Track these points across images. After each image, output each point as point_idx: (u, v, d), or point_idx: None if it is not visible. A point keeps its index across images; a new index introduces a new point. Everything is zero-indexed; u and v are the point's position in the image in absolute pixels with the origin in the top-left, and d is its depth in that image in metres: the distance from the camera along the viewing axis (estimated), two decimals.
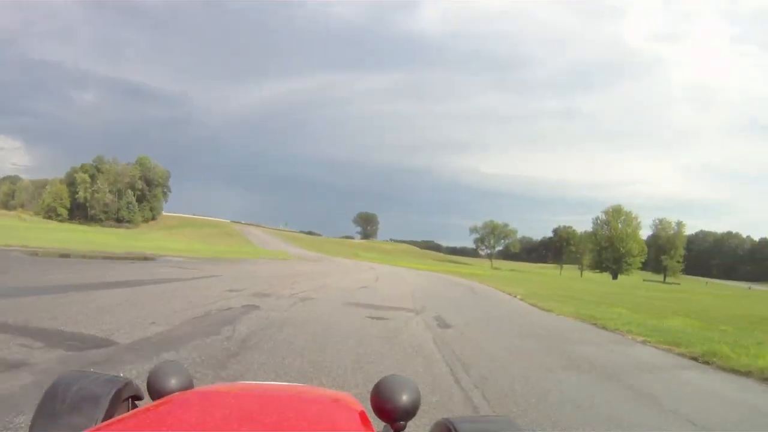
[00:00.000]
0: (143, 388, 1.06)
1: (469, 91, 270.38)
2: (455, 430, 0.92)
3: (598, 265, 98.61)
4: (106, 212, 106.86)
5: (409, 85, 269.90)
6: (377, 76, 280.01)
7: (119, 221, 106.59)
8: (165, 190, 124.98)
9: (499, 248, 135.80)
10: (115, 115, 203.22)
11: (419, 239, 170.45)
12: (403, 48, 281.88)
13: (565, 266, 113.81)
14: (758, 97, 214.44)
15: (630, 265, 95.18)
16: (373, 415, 0.99)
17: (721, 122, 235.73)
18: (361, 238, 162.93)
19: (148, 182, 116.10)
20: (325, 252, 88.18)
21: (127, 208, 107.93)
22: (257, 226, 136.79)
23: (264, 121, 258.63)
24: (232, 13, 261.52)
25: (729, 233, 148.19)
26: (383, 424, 0.99)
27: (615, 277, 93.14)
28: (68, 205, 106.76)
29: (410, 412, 0.96)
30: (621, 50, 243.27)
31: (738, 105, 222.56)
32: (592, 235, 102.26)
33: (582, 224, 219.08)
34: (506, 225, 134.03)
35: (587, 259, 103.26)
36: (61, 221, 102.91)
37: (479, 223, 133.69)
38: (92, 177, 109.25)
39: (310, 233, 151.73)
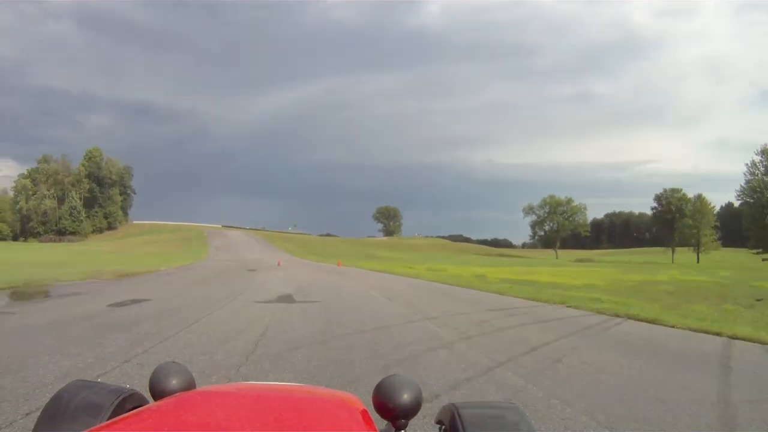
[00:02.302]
0: (149, 398, 1.07)
1: (480, 84, 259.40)
2: (459, 414, 0.97)
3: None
4: (44, 223, 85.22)
5: (419, 82, 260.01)
6: (388, 76, 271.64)
7: (61, 233, 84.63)
8: (125, 190, 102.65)
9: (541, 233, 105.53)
10: (126, 135, 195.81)
11: (446, 234, 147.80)
12: (410, 46, 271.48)
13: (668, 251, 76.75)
14: None
15: None
16: (375, 414, 0.99)
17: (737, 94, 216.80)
18: (384, 236, 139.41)
19: (100, 182, 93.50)
20: (319, 255, 62.20)
21: (70, 215, 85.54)
22: (256, 230, 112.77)
23: (278, 129, 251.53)
24: (231, 25, 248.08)
25: None
26: (385, 422, 1.00)
27: None
28: (8, 219, 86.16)
29: (412, 411, 0.97)
30: (629, 29, 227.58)
31: (754, 75, 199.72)
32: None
33: (604, 207, 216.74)
34: (569, 200, 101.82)
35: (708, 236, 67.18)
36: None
37: (535, 202, 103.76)
38: (35, 182, 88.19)
39: (327, 235, 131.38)
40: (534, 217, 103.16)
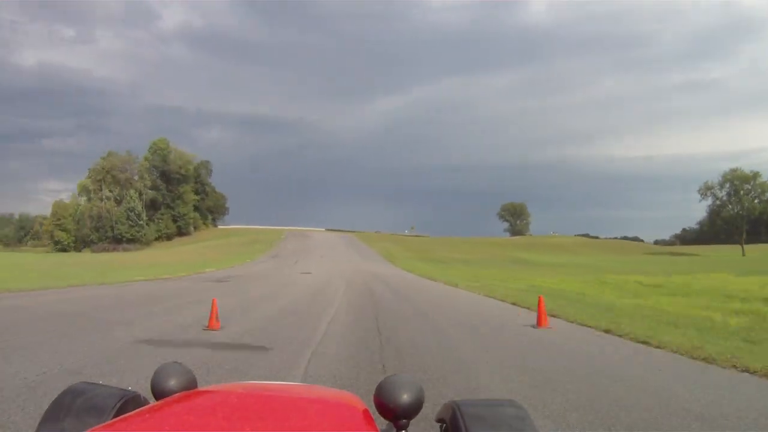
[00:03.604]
0: (151, 400, 1.07)
1: (590, 78, 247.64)
2: (460, 411, 0.96)
3: None
4: (97, 229, 70.56)
5: (531, 79, 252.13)
6: (497, 75, 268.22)
7: (118, 240, 69.31)
8: (202, 188, 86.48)
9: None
10: (241, 148, 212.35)
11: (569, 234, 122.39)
12: (518, 44, 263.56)
13: None
14: None
15: None
16: (377, 414, 0.99)
17: None
18: (511, 236, 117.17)
19: (167, 179, 77.57)
20: (437, 263, 42.73)
21: (128, 219, 69.89)
22: (359, 233, 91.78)
23: (393, 134, 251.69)
24: (335, 34, 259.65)
25: None
26: (386, 422, 1.01)
27: None
28: (70, 227, 73.22)
29: (413, 411, 0.97)
30: (738, 10, 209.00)
31: None
32: None
33: None
34: (756, 175, 73.71)
35: None
36: (60, 249, 70.39)
37: (715, 179, 76.70)
38: (97, 182, 74.81)
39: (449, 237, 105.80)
40: (710, 201, 77.01)
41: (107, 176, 71.98)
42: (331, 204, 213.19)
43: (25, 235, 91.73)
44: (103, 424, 0.87)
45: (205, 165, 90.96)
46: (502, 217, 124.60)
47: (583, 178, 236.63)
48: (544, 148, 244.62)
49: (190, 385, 1.07)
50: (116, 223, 69.24)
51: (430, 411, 1.40)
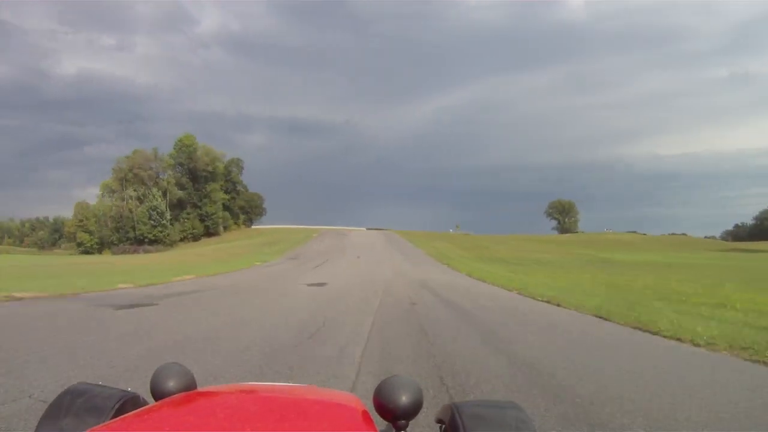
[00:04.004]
0: (150, 401, 1.06)
1: (631, 74, 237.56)
2: (459, 413, 0.95)
3: None
4: (117, 230, 65.79)
5: (570, 77, 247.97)
6: (537, 73, 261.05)
7: (141, 241, 64.29)
8: (233, 187, 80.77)
9: None
10: (284, 151, 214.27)
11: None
12: (557, 41, 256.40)
13: None
14: None
15: None
16: (376, 415, 0.99)
17: None
18: (559, 233, 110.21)
19: (194, 176, 72.12)
20: (504, 262, 34.97)
21: (150, 219, 64.68)
22: (405, 231, 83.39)
23: (435, 135, 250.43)
24: (377, 37, 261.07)
25: None
26: (386, 423, 1.00)
27: None
28: (93, 228, 69.14)
29: (412, 412, 0.96)
30: None
31: None
32: None
33: None
34: None
35: None
36: (84, 251, 66.46)
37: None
38: (122, 182, 70.49)
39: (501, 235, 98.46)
40: None
41: (129, 174, 67.19)
42: (372, 204, 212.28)
43: (59, 238, 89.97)
44: (103, 424, 0.86)
45: (237, 163, 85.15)
46: (549, 215, 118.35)
47: (626, 176, 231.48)
48: (587, 146, 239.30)
49: (190, 385, 1.05)
50: (137, 223, 64.12)
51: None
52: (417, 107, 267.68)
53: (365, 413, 0.93)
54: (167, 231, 65.37)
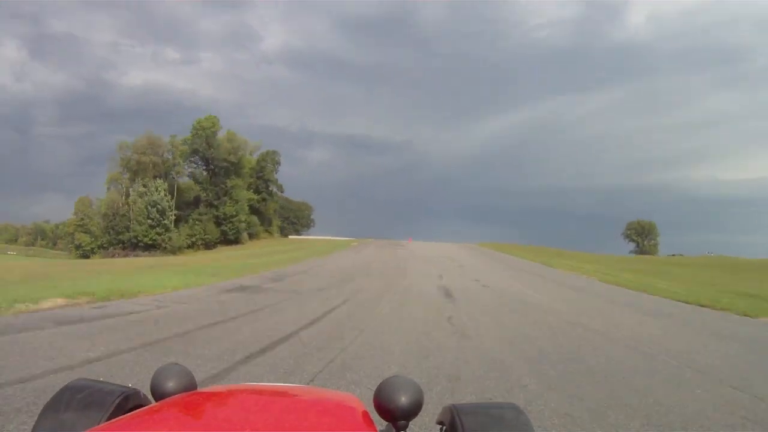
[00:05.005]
0: (150, 397, 1.06)
1: (692, 95, 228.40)
2: (459, 416, 0.96)
3: None
4: (108, 231, 51.97)
5: (632, 98, 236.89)
6: (599, 94, 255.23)
7: (134, 246, 50.00)
8: (265, 186, 65.71)
9: None
10: (347, 168, 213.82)
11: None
12: (618, 61, 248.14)
13: None
14: None
15: None
16: (376, 415, 0.99)
17: None
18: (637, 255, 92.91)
19: (215, 167, 57.67)
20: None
21: (149, 218, 50.35)
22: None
23: (494, 155, 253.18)
24: (440, 56, 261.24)
25: None
26: (386, 423, 1.01)
27: None
28: (93, 228, 56.37)
29: (412, 412, 0.97)
30: None
31: None
32: None
33: None
34: None
35: None
36: (82, 255, 53.81)
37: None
38: (125, 172, 57.63)
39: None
40: None
41: (131, 163, 53.99)
42: (429, 222, 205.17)
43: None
44: (102, 424, 0.85)
45: (272, 156, 69.93)
46: (627, 236, 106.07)
47: (689, 200, 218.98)
48: (647, 169, 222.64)
49: (190, 386, 1.05)
50: (132, 222, 50.17)
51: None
52: (478, 127, 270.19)
53: (365, 413, 0.92)
54: (168, 234, 50.83)
